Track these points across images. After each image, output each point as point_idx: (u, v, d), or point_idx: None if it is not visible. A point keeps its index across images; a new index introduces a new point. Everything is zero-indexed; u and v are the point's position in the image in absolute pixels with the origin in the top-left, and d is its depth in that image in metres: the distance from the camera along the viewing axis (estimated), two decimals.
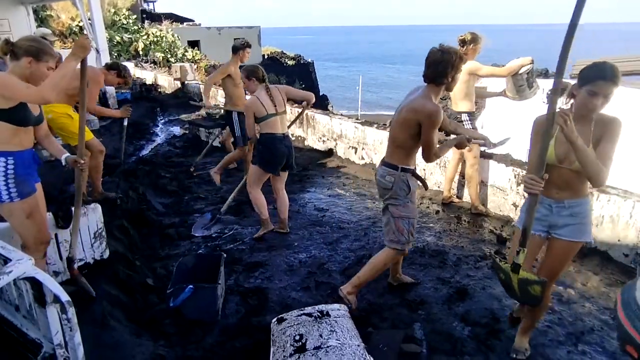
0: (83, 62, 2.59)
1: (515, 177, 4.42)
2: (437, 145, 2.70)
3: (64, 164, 2.67)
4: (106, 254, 3.32)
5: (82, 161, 2.68)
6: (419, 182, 2.90)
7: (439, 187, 5.33)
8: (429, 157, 2.72)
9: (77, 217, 2.86)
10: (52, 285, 1.92)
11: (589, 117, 2.13)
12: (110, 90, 9.34)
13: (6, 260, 1.97)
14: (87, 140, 4.18)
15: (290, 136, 3.97)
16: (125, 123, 4.63)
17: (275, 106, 3.76)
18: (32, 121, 2.47)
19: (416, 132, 2.66)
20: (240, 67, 4.65)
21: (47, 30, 5.40)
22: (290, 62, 28.26)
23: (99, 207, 3.26)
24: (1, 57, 2.51)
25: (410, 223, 2.85)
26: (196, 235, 3.78)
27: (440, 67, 2.58)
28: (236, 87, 5.24)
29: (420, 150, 2.75)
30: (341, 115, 7.00)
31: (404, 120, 2.67)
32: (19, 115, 2.37)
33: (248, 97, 3.81)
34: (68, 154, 2.67)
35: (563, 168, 2.18)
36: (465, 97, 4.41)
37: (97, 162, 4.35)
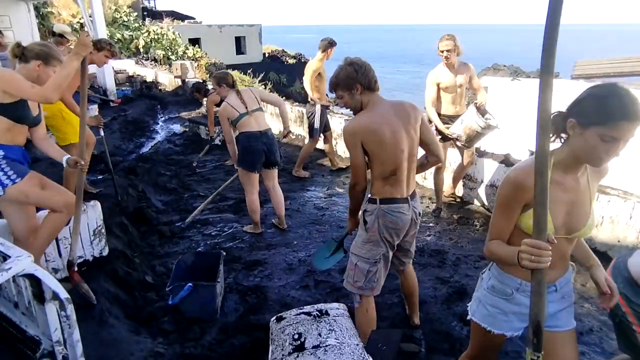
0: (83, 60, 2.59)
1: None
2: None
3: (64, 165, 2.69)
4: (105, 252, 3.32)
5: (83, 162, 2.69)
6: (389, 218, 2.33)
7: None
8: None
9: (78, 218, 2.83)
10: (51, 282, 1.92)
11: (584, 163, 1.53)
12: (111, 87, 9.35)
13: (5, 257, 1.97)
14: (74, 143, 4.10)
15: (271, 132, 3.95)
16: (102, 134, 4.43)
17: (245, 106, 3.81)
18: (30, 120, 2.50)
19: (364, 153, 2.30)
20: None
21: (66, 28, 5.29)
22: (291, 61, 28.24)
23: (98, 204, 3.26)
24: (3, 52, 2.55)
25: (358, 267, 2.40)
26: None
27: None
28: (321, 82, 5.59)
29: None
30: (341, 114, 7.00)
31: None
32: (18, 111, 2.39)
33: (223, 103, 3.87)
34: (68, 156, 2.68)
35: (560, 238, 1.56)
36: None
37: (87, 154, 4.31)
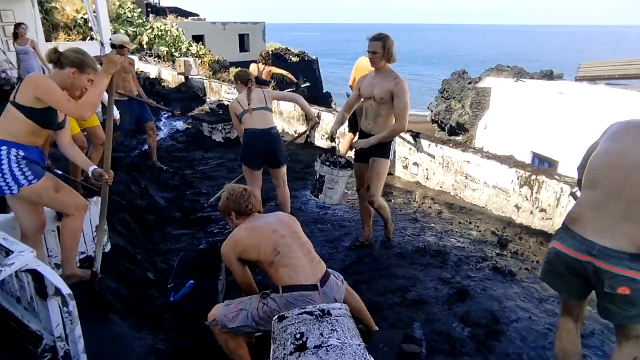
0: (111, 77, 2.62)
1: (518, 178, 4.41)
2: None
3: (90, 175, 2.72)
4: (107, 247, 3.32)
5: (107, 176, 2.71)
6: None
7: (441, 186, 5.33)
8: None
9: (102, 229, 2.83)
10: (54, 277, 1.92)
11: None
12: None
13: (8, 252, 1.97)
14: (93, 126, 4.27)
15: (275, 131, 3.95)
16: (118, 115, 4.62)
17: (249, 103, 3.86)
18: (55, 126, 2.54)
19: None
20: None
21: (125, 37, 5.34)
22: (295, 59, 28.18)
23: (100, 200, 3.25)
24: (17, 43, 2.59)
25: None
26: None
27: None
28: None
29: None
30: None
31: None
32: (46, 117, 2.43)
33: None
34: (95, 167, 2.70)
35: None
36: None
37: (97, 153, 4.39)
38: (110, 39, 5.41)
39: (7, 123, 2.38)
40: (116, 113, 4.62)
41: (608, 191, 1.88)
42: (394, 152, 5.90)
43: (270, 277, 2.22)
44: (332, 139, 3.72)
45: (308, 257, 2.25)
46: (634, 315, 1.90)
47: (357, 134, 3.90)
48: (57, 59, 2.46)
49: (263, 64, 7.41)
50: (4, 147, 2.36)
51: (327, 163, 3.61)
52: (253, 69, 7.24)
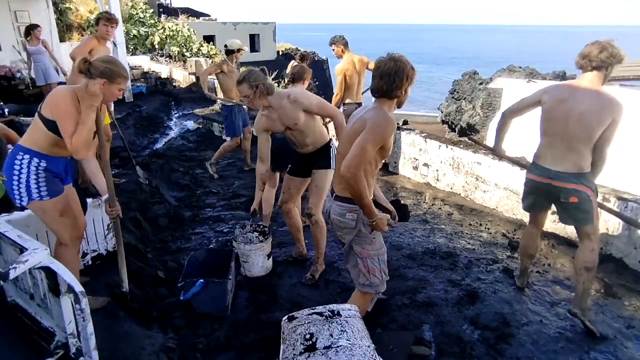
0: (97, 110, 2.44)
1: None
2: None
3: (102, 202, 2.68)
4: None
5: (111, 209, 2.60)
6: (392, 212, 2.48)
7: (451, 188, 5.29)
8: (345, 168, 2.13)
9: (121, 253, 2.77)
10: (67, 275, 1.94)
11: None
12: (127, 84, 9.43)
13: (22, 249, 2.00)
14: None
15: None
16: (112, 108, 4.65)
17: None
18: (101, 122, 2.51)
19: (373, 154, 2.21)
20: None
21: (239, 42, 5.57)
22: None
23: None
24: (27, 43, 2.54)
25: (382, 260, 2.39)
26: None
27: (396, 77, 2.14)
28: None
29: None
30: None
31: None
32: None
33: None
34: (107, 196, 2.58)
35: None
36: None
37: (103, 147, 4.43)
38: (226, 45, 5.61)
39: (34, 133, 2.37)
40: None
41: (556, 135, 2.76)
42: (403, 153, 5.88)
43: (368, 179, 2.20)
44: (255, 212, 3.32)
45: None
46: (582, 219, 2.78)
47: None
48: (87, 69, 2.38)
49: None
50: (26, 156, 2.34)
51: (244, 233, 3.53)
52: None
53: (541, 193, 2.91)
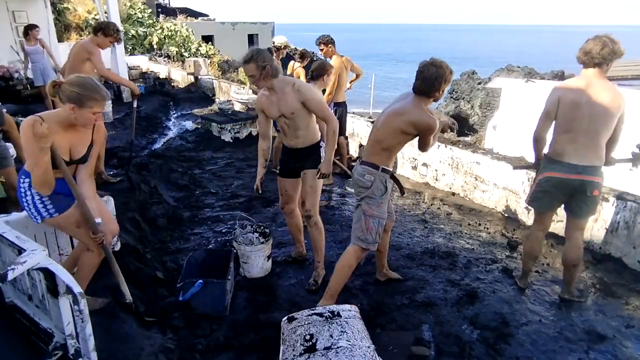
0: (52, 150, 2.24)
1: (529, 180, 4.36)
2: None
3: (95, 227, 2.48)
4: (117, 246, 3.34)
5: (95, 236, 2.39)
6: (395, 185, 2.91)
7: (450, 188, 5.30)
8: (426, 150, 2.81)
9: (111, 258, 2.64)
10: (65, 276, 1.94)
11: None
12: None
13: (20, 251, 2.00)
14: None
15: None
16: (135, 104, 4.60)
17: None
18: (61, 164, 2.32)
19: (409, 139, 2.72)
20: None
21: (284, 38, 5.68)
22: None
23: (111, 199, 3.28)
24: (24, 42, 2.44)
25: (380, 223, 2.80)
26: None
27: (436, 82, 2.54)
28: None
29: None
30: (353, 113, 6.98)
31: (399, 129, 2.63)
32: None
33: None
34: (100, 221, 2.42)
35: None
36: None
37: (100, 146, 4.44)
38: (273, 41, 5.72)
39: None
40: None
41: (578, 132, 2.81)
42: (402, 152, 5.88)
43: (389, 155, 2.76)
44: (258, 190, 3.26)
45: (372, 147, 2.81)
46: (592, 210, 2.98)
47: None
48: (57, 94, 2.27)
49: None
50: (27, 180, 2.32)
51: (245, 234, 3.54)
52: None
53: (565, 190, 2.93)
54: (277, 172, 3.43)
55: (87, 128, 2.38)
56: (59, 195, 2.38)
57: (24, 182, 2.34)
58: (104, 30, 4.17)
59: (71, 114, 2.23)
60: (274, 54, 5.70)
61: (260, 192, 3.26)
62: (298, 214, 3.48)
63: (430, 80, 2.54)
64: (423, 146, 2.74)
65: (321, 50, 5.50)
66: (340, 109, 5.40)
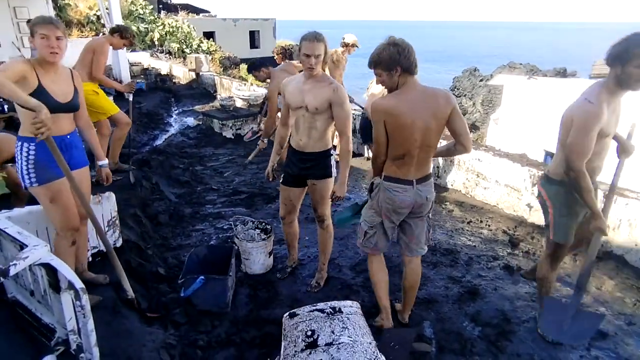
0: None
1: (530, 177, 4.35)
2: None
3: (97, 168, 2.74)
4: (119, 243, 3.35)
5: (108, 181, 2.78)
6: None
7: (452, 185, 5.29)
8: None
9: (119, 268, 2.73)
10: (67, 272, 1.94)
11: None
12: (126, 79, 9.43)
13: (22, 246, 2.00)
14: (114, 114, 4.47)
15: None
16: (131, 98, 4.68)
17: None
18: (51, 106, 2.30)
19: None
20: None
21: (353, 37, 5.83)
22: None
23: (113, 195, 3.28)
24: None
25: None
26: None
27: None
28: None
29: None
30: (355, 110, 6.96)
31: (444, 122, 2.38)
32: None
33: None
34: (104, 162, 2.74)
35: None
36: None
37: (122, 134, 4.61)
38: (343, 37, 5.85)
39: (20, 117, 2.36)
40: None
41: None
42: None
43: (385, 162, 2.47)
44: (273, 177, 3.21)
45: (424, 160, 2.43)
46: None
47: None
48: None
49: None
50: (19, 143, 2.38)
51: (246, 230, 3.54)
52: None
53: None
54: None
55: (50, 59, 2.38)
56: (45, 166, 2.39)
57: (17, 146, 2.40)
58: (121, 32, 4.43)
59: (32, 48, 2.37)
60: (343, 50, 5.81)
61: (271, 179, 3.22)
62: (297, 223, 3.37)
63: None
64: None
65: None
66: None
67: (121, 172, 4.66)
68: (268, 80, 4.88)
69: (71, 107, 2.51)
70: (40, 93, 2.33)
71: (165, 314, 2.86)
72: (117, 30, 4.43)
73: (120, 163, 4.79)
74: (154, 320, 2.75)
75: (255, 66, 4.89)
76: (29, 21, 2.71)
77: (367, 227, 2.64)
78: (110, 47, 4.46)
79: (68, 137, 2.52)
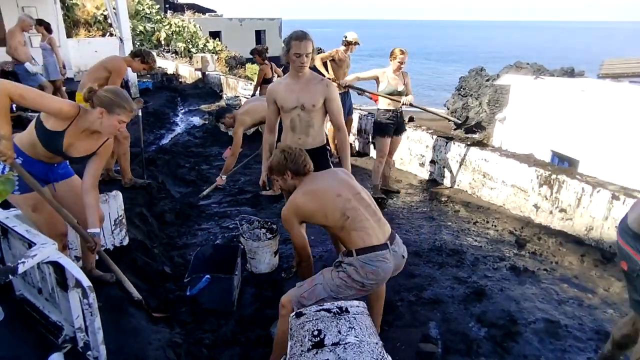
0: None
1: (537, 177, 4.33)
2: None
3: (85, 234, 2.47)
4: (125, 241, 3.37)
5: (88, 244, 2.46)
6: None
7: (458, 185, 5.27)
8: None
9: (120, 275, 2.74)
10: (75, 270, 1.95)
11: None
12: (133, 79, 9.48)
13: (30, 244, 2.01)
14: None
15: None
16: (140, 113, 4.71)
17: None
18: (54, 150, 2.36)
19: None
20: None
21: (355, 35, 5.87)
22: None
23: (119, 194, 3.30)
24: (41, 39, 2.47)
25: None
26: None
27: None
28: None
29: None
30: (360, 110, 6.96)
31: None
32: (48, 139, 2.32)
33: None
34: (96, 231, 2.45)
35: None
36: None
37: (124, 148, 4.46)
38: (345, 36, 5.88)
39: (26, 131, 2.37)
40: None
41: None
42: (409, 149, 5.86)
43: (342, 241, 2.27)
44: (265, 186, 3.18)
45: (375, 218, 2.27)
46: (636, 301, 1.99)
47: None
48: (90, 98, 2.34)
49: None
50: None
51: (252, 229, 3.55)
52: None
53: None
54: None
55: (109, 136, 2.44)
56: (28, 174, 2.33)
57: None
58: (143, 57, 4.34)
59: (99, 118, 2.31)
60: (345, 48, 5.82)
61: (267, 188, 3.20)
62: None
63: None
64: None
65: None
66: None
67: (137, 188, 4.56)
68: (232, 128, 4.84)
69: (71, 159, 2.47)
70: (55, 136, 2.31)
71: (173, 313, 2.87)
72: (138, 55, 4.34)
73: (135, 178, 4.64)
74: (160, 319, 2.76)
75: (219, 114, 4.86)
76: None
77: (330, 299, 2.16)
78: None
79: (55, 165, 2.51)
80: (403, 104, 4.58)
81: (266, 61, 7.00)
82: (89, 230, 2.44)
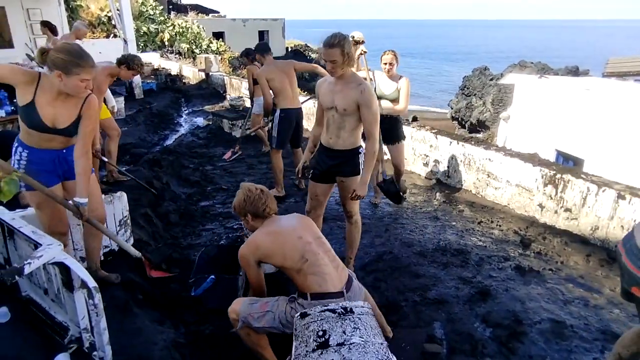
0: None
1: (542, 177, 4.31)
2: None
3: (72, 203, 2.43)
4: (130, 242, 3.38)
5: (77, 214, 2.43)
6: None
7: (462, 185, 5.26)
8: None
9: (118, 240, 2.87)
10: (80, 271, 1.96)
11: None
12: (137, 80, 9.52)
13: (36, 245, 2.02)
14: (103, 119, 4.35)
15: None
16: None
17: None
18: (38, 127, 2.31)
19: None
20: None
21: (361, 34, 5.61)
22: (314, 55, 28.20)
23: (124, 195, 3.31)
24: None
25: None
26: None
27: None
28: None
29: None
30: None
31: None
32: (26, 115, 2.29)
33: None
34: (84, 201, 2.41)
35: None
36: None
37: (115, 144, 4.53)
38: (352, 36, 5.76)
39: (19, 120, 2.38)
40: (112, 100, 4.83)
41: None
42: (413, 149, 5.85)
43: (297, 283, 2.18)
44: (303, 174, 3.26)
45: (334, 264, 2.21)
46: None
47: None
48: (44, 61, 2.22)
49: None
50: (15, 144, 2.41)
51: None
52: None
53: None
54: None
55: (79, 96, 2.33)
56: (35, 174, 2.34)
57: (13, 147, 2.42)
58: (128, 64, 4.09)
59: (59, 82, 2.20)
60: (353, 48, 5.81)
61: (300, 175, 3.31)
62: (321, 221, 3.37)
63: None
64: None
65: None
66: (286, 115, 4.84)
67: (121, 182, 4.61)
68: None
69: (62, 132, 2.39)
70: (28, 109, 2.26)
71: (175, 312, 2.88)
72: (123, 62, 4.10)
73: (119, 175, 4.68)
74: (164, 320, 2.77)
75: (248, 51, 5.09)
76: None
77: (277, 327, 2.18)
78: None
79: (64, 151, 2.50)
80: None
81: (255, 62, 6.84)
82: (75, 199, 2.39)
